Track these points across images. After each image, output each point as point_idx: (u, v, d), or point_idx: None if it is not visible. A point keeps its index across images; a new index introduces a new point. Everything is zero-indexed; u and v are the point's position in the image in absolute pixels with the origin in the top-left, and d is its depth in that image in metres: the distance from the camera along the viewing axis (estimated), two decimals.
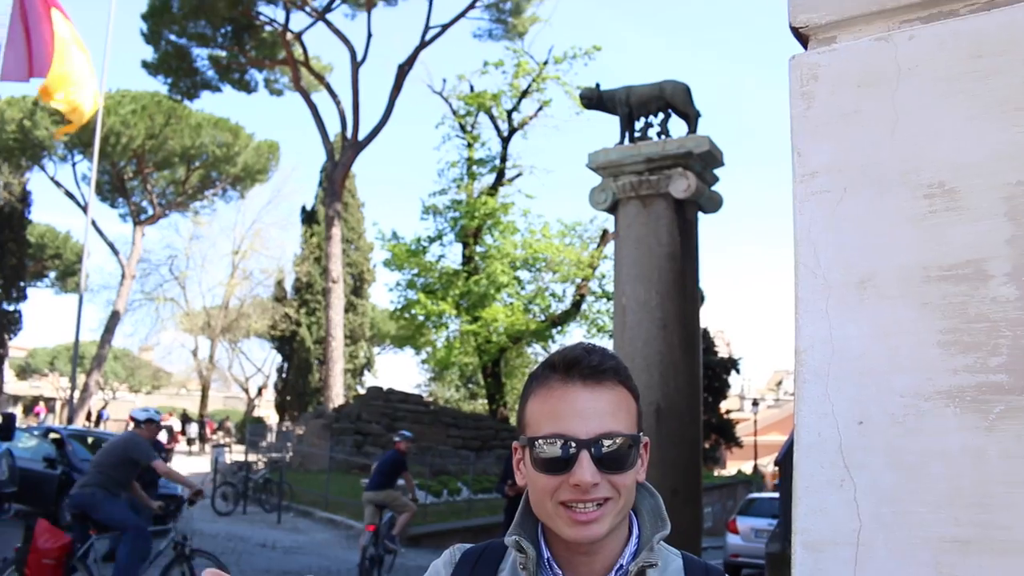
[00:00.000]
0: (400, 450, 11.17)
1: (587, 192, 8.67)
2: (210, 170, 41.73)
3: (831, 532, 1.50)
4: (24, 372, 64.42)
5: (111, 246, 41.84)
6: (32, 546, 7.30)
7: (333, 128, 33.56)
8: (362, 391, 35.09)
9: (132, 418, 8.45)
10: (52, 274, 46.25)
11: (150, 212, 42.25)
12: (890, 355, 1.49)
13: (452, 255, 32.24)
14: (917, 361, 1.47)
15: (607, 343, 21.59)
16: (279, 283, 45.95)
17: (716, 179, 8.75)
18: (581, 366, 1.48)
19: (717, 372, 38.10)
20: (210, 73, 33.72)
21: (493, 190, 31.25)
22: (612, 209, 8.40)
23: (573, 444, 1.44)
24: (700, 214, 8.85)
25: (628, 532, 1.57)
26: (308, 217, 43.66)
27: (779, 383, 71.55)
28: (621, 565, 1.52)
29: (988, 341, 1.43)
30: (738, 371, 40.79)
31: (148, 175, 40.37)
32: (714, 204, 8.70)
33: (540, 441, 1.47)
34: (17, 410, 45.17)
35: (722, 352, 41.62)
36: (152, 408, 9.01)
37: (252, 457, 25.73)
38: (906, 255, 1.52)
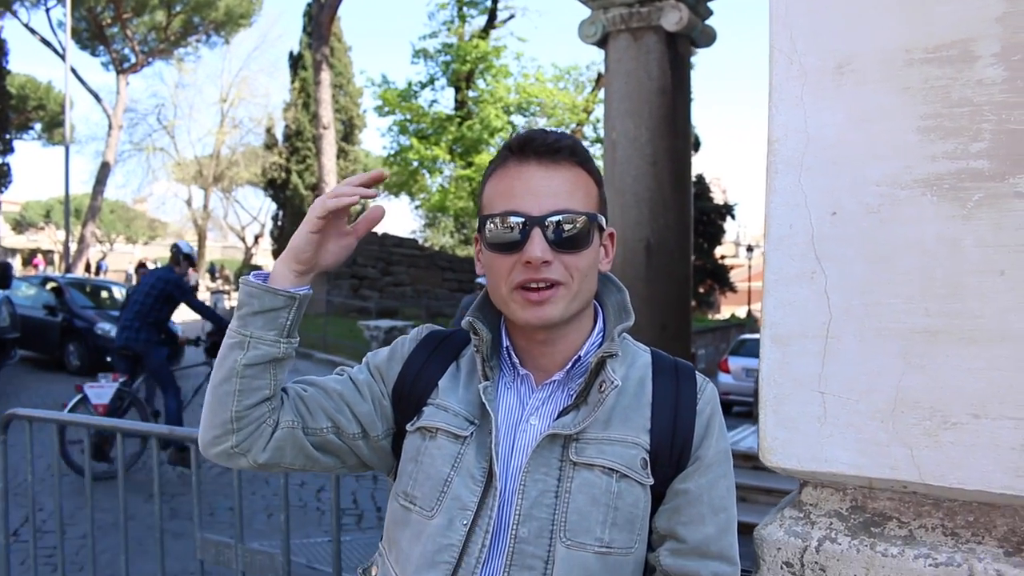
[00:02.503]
0: None
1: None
2: (191, 15, 40.37)
3: (800, 325, 1.47)
4: (20, 226, 64.38)
5: (95, 95, 41.01)
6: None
7: None
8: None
9: (177, 250, 8.30)
10: (38, 126, 45.40)
11: (133, 60, 41.12)
12: (867, 143, 1.43)
13: (444, 100, 31.77)
14: (895, 148, 1.40)
15: None
16: (269, 131, 45.43)
17: (710, 12, 8.44)
18: (535, 143, 1.43)
19: (712, 218, 38.10)
20: None
21: (485, 33, 30.48)
22: (602, 43, 8.14)
23: (524, 221, 1.39)
24: (693, 49, 8.59)
25: (593, 326, 1.54)
26: (295, 62, 42.64)
27: None
28: (579, 357, 1.48)
29: (970, 126, 1.36)
30: (733, 217, 40.75)
31: (127, 20, 39.03)
32: (707, 38, 8.42)
33: (494, 219, 1.43)
34: (15, 262, 45.36)
35: (717, 198, 41.52)
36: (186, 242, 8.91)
37: None
38: (887, 37, 1.42)
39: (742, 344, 18.97)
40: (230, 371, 1.45)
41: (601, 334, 1.53)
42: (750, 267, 44.58)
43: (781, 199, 1.50)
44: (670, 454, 1.44)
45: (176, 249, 8.36)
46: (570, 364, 1.48)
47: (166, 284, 7.97)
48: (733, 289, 41.44)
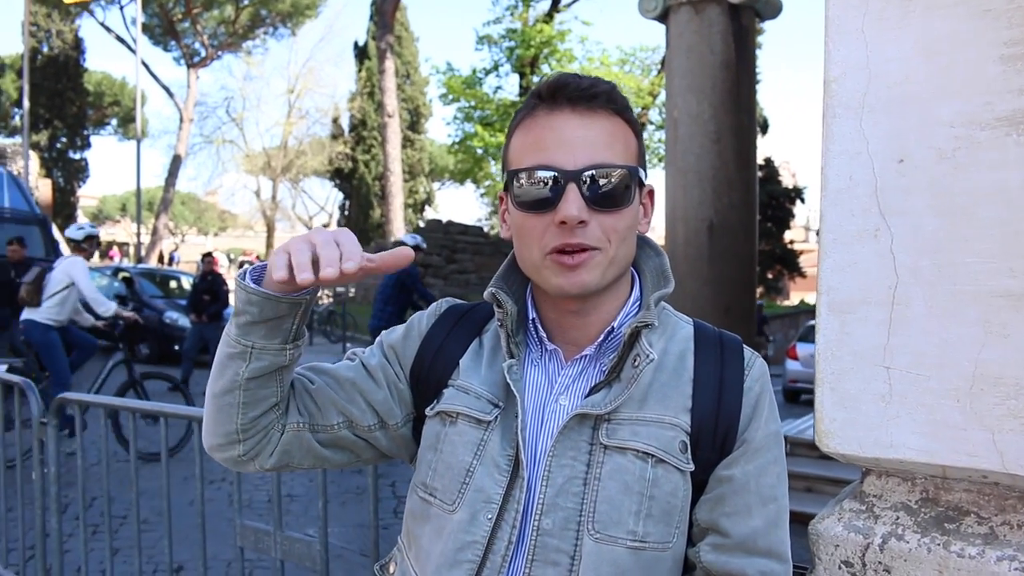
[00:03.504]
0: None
1: (645, 19, 8.15)
2: (259, 8, 40.94)
3: (861, 290, 1.28)
4: (97, 219, 66.13)
5: (167, 90, 41.96)
6: None
7: None
8: (423, 225, 35.20)
9: (403, 244, 9.67)
10: (113, 121, 46.56)
11: (203, 54, 41.95)
12: (939, 78, 1.22)
13: (509, 86, 31.56)
14: (973, 83, 1.20)
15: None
16: (335, 120, 45.96)
17: None
18: (568, 89, 1.26)
19: (781, 202, 37.27)
20: None
21: (549, 17, 30.25)
22: (663, 17, 7.88)
23: (558, 176, 1.22)
24: (758, 21, 8.29)
25: (629, 294, 1.37)
26: (361, 53, 42.96)
27: None
28: (612, 327, 1.31)
29: None
30: (803, 201, 39.79)
31: (197, 16, 39.76)
32: (772, 9, 8.10)
33: (522, 175, 1.26)
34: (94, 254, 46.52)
35: (787, 182, 40.63)
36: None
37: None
38: None
39: (811, 330, 18.50)
40: (232, 383, 1.31)
41: (637, 303, 1.36)
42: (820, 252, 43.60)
43: (839, 147, 1.31)
44: (713, 437, 1.27)
45: (401, 243, 9.74)
46: (602, 336, 1.32)
47: (401, 274, 9.23)
48: (803, 275, 40.56)
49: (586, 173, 1.22)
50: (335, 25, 57.44)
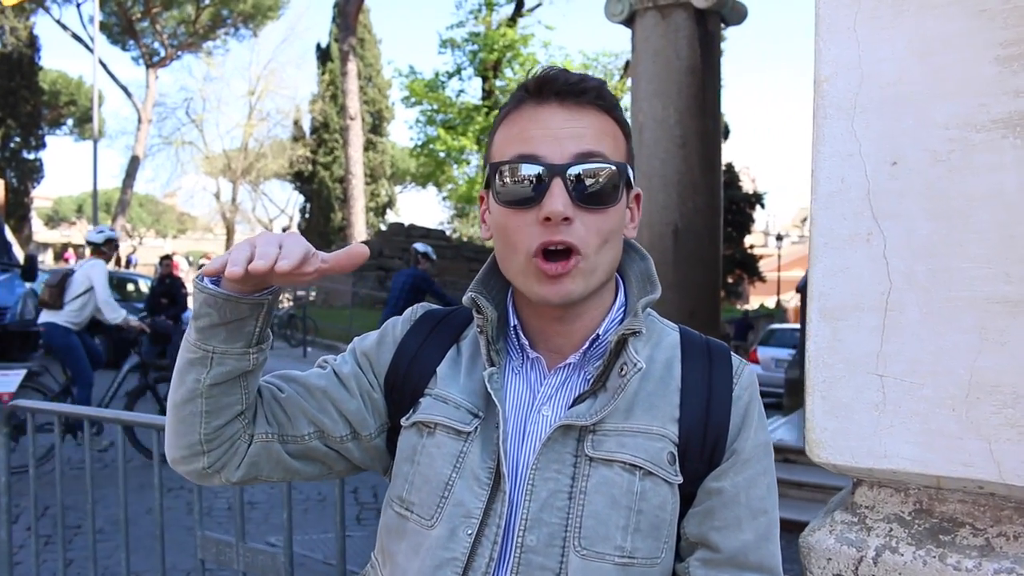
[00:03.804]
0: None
1: (608, 24, 8.13)
2: (220, 8, 40.47)
3: (854, 296, 1.25)
4: (52, 221, 65.09)
5: (125, 90, 41.30)
6: None
7: None
8: (384, 229, 35.02)
9: (416, 251, 9.83)
10: (70, 121, 45.75)
11: (162, 54, 41.34)
12: (933, 78, 1.19)
13: (472, 90, 31.58)
14: (968, 83, 1.17)
15: None
16: (296, 123, 45.57)
17: None
18: (557, 83, 1.20)
19: (741, 207, 37.57)
20: None
21: (512, 21, 30.28)
22: (629, 21, 7.87)
23: (543, 169, 1.16)
24: (723, 27, 8.32)
25: (613, 300, 1.32)
26: (323, 55, 42.67)
27: (804, 220, 71.33)
28: (598, 335, 1.26)
29: None
30: (763, 206, 40.20)
31: (156, 15, 39.21)
32: (738, 15, 8.13)
33: (504, 168, 1.19)
34: (47, 257, 45.76)
35: (747, 187, 40.99)
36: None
37: None
38: None
39: (771, 334, 18.67)
40: (192, 391, 1.24)
41: (623, 309, 1.31)
42: (780, 256, 44.06)
43: (831, 148, 1.27)
44: (702, 448, 1.22)
45: (415, 250, 9.89)
46: (587, 344, 1.26)
47: (415, 279, 9.35)
48: (762, 279, 40.96)
49: (573, 168, 1.17)
50: (297, 27, 57.04)
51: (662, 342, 1.30)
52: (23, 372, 7.29)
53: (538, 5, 31.30)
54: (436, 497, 1.24)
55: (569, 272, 1.18)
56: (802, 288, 9.44)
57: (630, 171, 1.24)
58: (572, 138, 1.18)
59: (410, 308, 1.47)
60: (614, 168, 1.20)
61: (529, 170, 1.17)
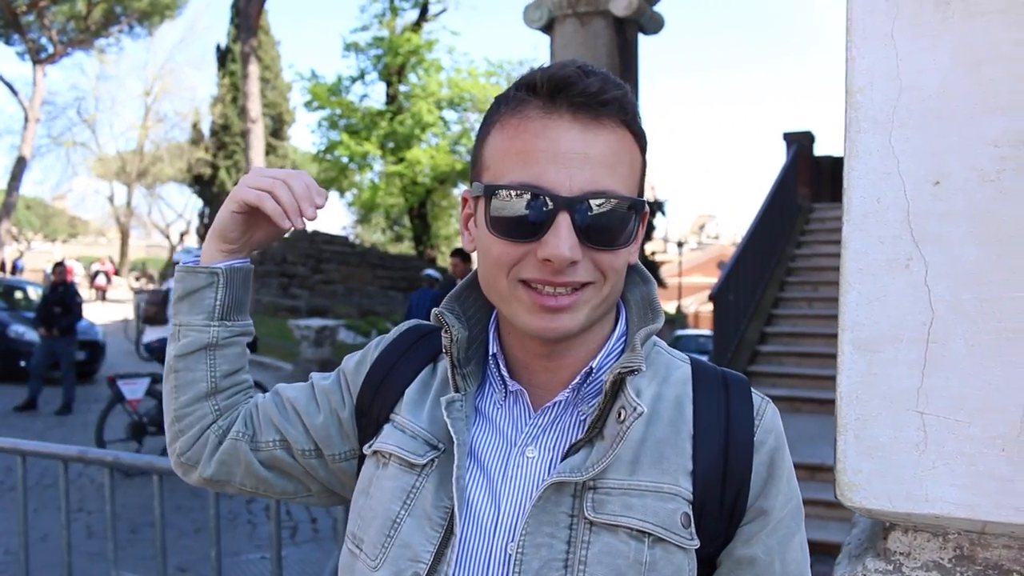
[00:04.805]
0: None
1: (515, 30, 8.07)
2: (113, 4, 38.99)
3: (892, 327, 1.14)
4: None
5: (10, 86, 39.32)
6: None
7: None
8: (287, 236, 34.39)
9: (430, 275, 11.42)
10: None
11: (50, 50, 39.55)
12: (982, 91, 1.10)
13: (376, 95, 31.30)
14: (1021, 97, 1.08)
15: None
16: (195, 126, 44.45)
17: None
18: (573, 91, 1.01)
19: None
20: None
21: (417, 27, 30.17)
22: (547, 28, 7.80)
23: (549, 202, 0.99)
24: (640, 36, 8.32)
25: (613, 328, 1.15)
26: (223, 56, 41.65)
27: (702, 227, 73.11)
28: (591, 368, 1.10)
29: None
30: (663, 213, 40.85)
31: (44, 9, 37.53)
32: (656, 25, 8.14)
33: (504, 193, 1.02)
34: None
35: (647, 195, 41.62)
36: None
37: None
38: None
39: (677, 341, 18.88)
40: (168, 367, 1.32)
41: (622, 339, 1.15)
42: (680, 263, 45.05)
43: (865, 165, 1.17)
44: (721, 504, 1.07)
45: (428, 275, 11.11)
46: (578, 379, 1.10)
47: (434, 301, 9.53)
48: (663, 285, 41.67)
49: (584, 203, 1.00)
50: (196, 26, 55.19)
51: (670, 377, 1.14)
52: (147, 380, 7.78)
53: (443, 11, 31.22)
54: (382, 536, 1.10)
55: (570, 307, 1.04)
56: (715, 296, 9.50)
57: (644, 203, 1.09)
58: (585, 164, 1.01)
59: (401, 324, 1.33)
60: (628, 203, 1.04)
61: (533, 199, 1.01)
